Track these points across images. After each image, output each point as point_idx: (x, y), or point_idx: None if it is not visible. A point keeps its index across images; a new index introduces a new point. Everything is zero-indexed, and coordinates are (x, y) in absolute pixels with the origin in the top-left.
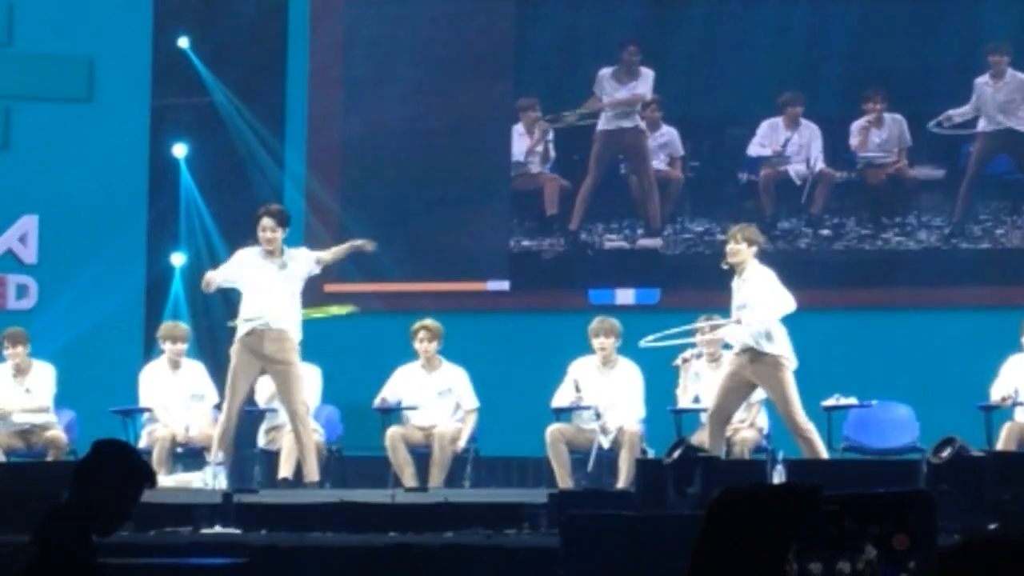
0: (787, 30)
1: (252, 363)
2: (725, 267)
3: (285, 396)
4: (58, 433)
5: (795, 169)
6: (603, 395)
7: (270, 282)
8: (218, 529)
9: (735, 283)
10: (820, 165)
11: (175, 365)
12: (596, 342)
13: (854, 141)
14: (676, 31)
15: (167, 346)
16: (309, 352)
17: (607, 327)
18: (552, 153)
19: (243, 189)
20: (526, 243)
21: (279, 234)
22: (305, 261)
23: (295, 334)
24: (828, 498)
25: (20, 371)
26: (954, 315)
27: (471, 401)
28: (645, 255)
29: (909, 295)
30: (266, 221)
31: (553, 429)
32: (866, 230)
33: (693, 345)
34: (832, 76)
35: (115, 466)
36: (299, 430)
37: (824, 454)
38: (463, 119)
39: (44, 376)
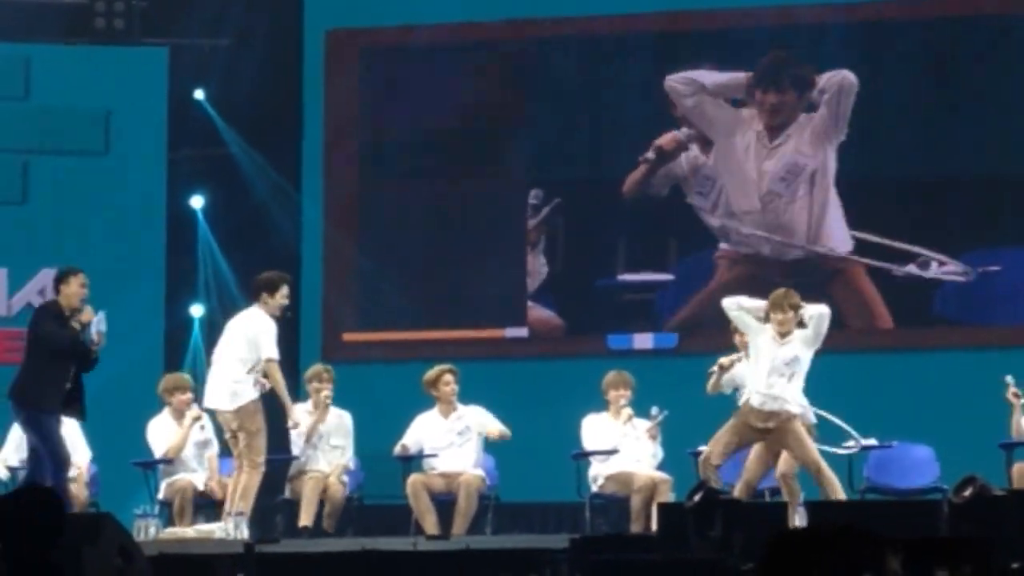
0: None
1: None
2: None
3: None
4: (77, 488)
5: None
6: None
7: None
8: None
9: (773, 341)
10: None
11: (180, 416)
12: (614, 394)
13: None
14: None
15: (176, 397)
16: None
17: (625, 380)
18: None
19: (261, 239)
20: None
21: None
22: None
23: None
24: (888, 541)
25: None
26: (973, 355)
27: (497, 425)
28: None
29: (928, 335)
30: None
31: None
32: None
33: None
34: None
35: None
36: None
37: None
38: (480, 165)
39: (71, 432)
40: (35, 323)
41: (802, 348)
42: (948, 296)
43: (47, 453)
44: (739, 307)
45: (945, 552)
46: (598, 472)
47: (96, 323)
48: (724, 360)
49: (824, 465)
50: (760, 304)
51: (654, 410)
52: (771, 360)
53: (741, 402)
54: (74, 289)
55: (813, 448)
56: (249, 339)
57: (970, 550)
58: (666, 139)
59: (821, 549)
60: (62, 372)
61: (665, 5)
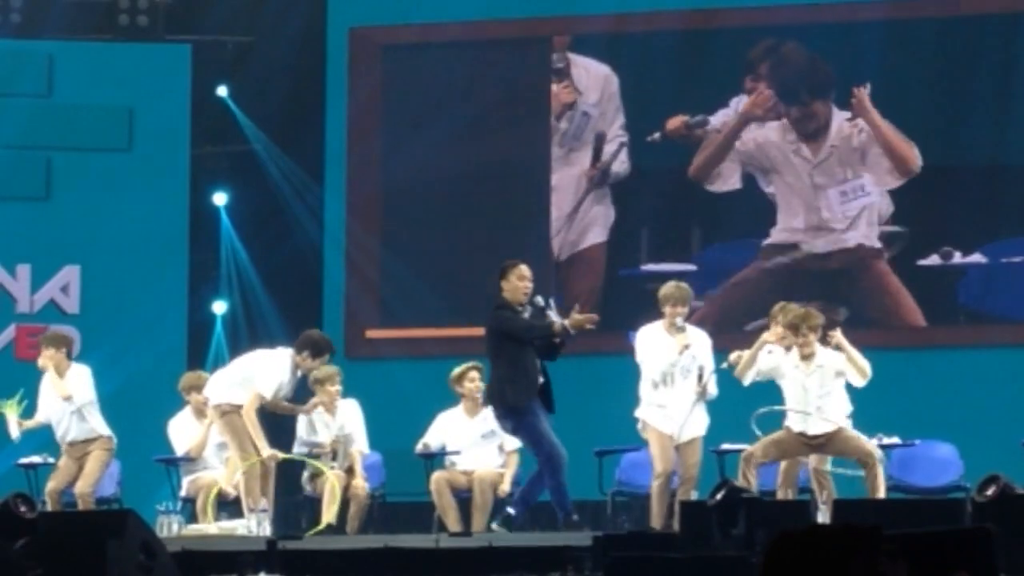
0: None
1: None
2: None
3: None
4: (85, 488)
5: None
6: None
7: None
8: None
9: (797, 370)
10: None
11: (201, 414)
12: (670, 310)
13: None
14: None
15: (192, 396)
16: (348, 395)
17: (683, 295)
18: None
19: (283, 235)
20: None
21: None
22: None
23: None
24: (887, 537)
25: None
26: (996, 352)
27: (513, 441)
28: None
29: (951, 333)
30: None
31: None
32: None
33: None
34: None
35: None
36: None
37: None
38: (502, 163)
39: (79, 376)
40: (495, 323)
41: (832, 381)
42: (972, 287)
43: (540, 456)
44: (749, 361)
45: (958, 548)
46: (648, 401)
47: (552, 310)
48: (733, 359)
49: (878, 458)
50: (754, 350)
51: (701, 368)
52: (804, 392)
53: (785, 424)
54: (514, 283)
55: (864, 439)
56: (246, 377)
57: (980, 542)
58: (673, 123)
59: (820, 546)
60: (527, 365)
61: (689, 3)
